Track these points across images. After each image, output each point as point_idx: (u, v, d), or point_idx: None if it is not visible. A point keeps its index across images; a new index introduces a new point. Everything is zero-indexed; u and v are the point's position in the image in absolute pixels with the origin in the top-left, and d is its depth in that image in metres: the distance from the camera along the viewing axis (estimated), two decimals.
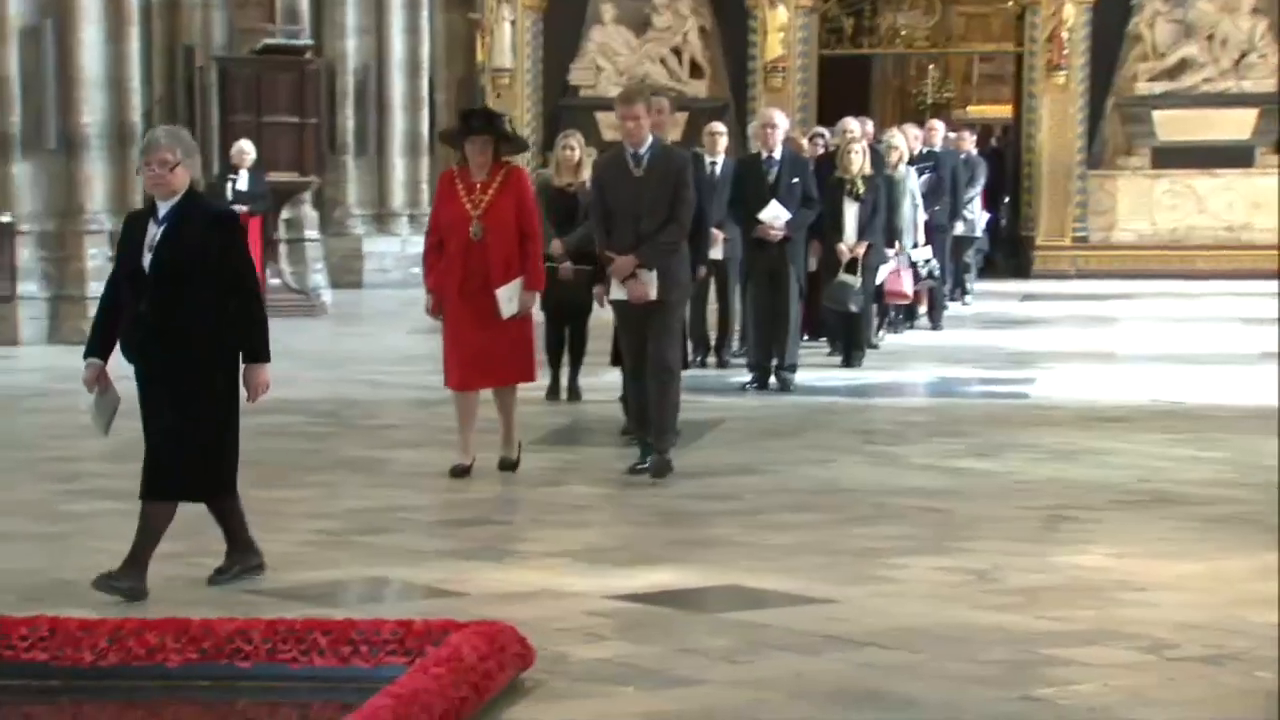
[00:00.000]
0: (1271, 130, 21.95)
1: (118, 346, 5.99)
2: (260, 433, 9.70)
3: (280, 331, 16.68)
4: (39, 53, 14.23)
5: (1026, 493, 7.86)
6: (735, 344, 12.64)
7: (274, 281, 17.42)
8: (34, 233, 14.37)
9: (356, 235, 21.20)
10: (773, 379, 11.28)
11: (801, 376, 11.59)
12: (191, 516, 7.17)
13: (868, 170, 12.41)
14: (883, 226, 12.68)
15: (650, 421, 8.05)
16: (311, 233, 18.65)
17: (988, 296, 18.85)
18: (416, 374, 12.20)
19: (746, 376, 11.43)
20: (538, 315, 8.61)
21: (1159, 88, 22.48)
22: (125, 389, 6.06)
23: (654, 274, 7.85)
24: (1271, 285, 15.41)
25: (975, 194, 17.91)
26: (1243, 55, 22.33)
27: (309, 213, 18.81)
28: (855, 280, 12.33)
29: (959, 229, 17.43)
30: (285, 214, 18.21)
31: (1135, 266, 21.94)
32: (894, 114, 28.09)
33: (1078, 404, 10.86)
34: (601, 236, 8.09)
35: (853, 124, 13.47)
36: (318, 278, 18.30)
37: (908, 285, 14.49)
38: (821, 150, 13.68)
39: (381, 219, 21.45)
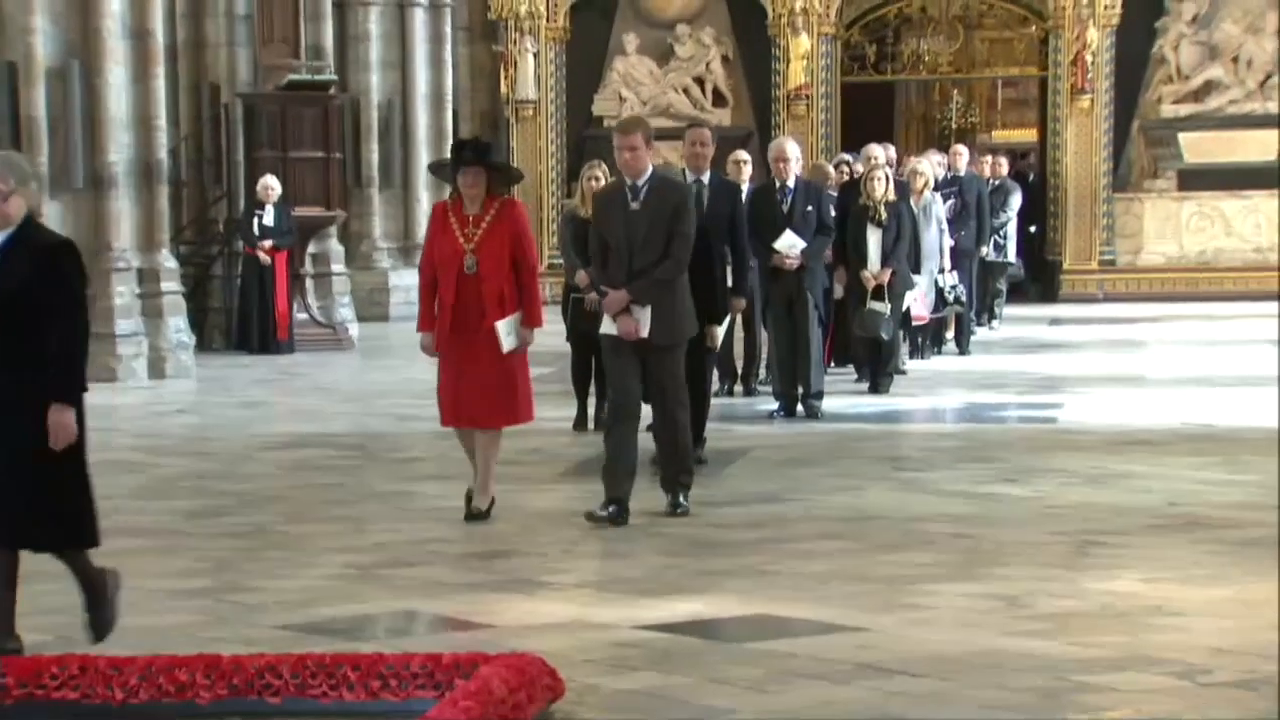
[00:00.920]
0: None
1: None
2: (287, 467, 9.77)
3: (307, 365, 16.87)
4: (66, 93, 14.33)
5: (1056, 518, 7.83)
6: (762, 372, 12.64)
7: (301, 316, 17.50)
8: None
9: (382, 268, 21.28)
10: (800, 408, 11.27)
11: (829, 403, 11.58)
12: (222, 553, 7.20)
13: (891, 197, 12.43)
14: (908, 252, 12.68)
15: (664, 475, 7.91)
16: (337, 266, 18.72)
17: (1015, 321, 18.81)
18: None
19: (774, 405, 11.42)
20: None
21: (1184, 110, 22.45)
22: None
23: (646, 311, 7.61)
24: None
25: (1009, 219, 17.90)
26: (1268, 77, 22.30)
27: (335, 246, 18.88)
28: (884, 307, 12.38)
29: (992, 254, 17.43)
30: (311, 248, 18.29)
31: (1163, 289, 21.90)
32: (918, 140, 28.12)
33: (1107, 428, 10.83)
34: (596, 271, 7.94)
35: (877, 150, 13.50)
36: (344, 311, 18.36)
37: (925, 309, 14.49)
38: (846, 177, 13.68)
39: (407, 251, 21.50)
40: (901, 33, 24.61)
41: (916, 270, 13.37)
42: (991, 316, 18.21)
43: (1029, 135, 27.88)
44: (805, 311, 11.08)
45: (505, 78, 23.51)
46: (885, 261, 12.38)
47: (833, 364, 13.54)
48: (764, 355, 12.62)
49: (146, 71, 14.85)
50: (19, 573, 5.59)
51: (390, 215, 21.61)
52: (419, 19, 21.45)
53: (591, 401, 10.82)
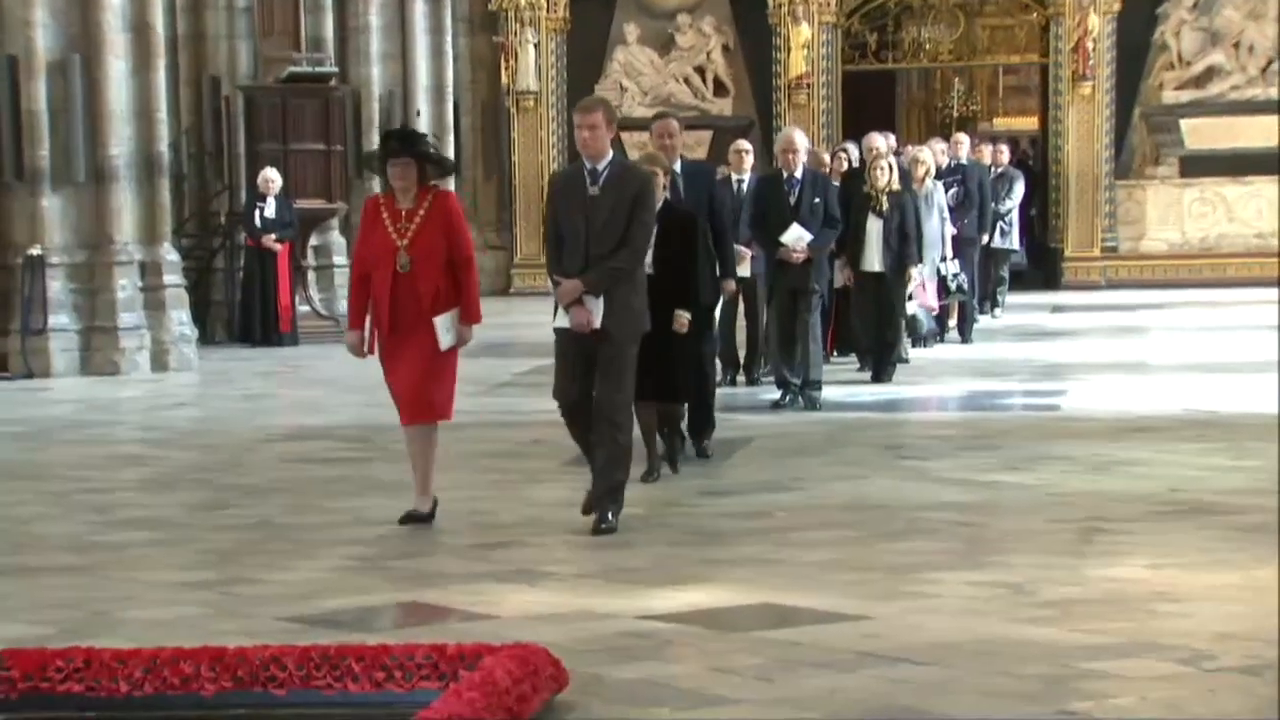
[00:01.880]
0: None
1: None
2: (290, 459, 9.77)
3: (309, 358, 16.88)
4: (67, 87, 14.33)
5: (1060, 505, 7.83)
6: (765, 362, 12.63)
7: (303, 308, 17.52)
8: (64, 265, 14.46)
9: None
10: (800, 398, 11.22)
11: (831, 393, 11.58)
12: (226, 545, 7.20)
13: (895, 186, 12.41)
14: (913, 241, 12.65)
15: (594, 479, 7.40)
16: (339, 258, 18.73)
17: (1018, 309, 18.80)
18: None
19: (776, 395, 11.39)
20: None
21: (1186, 96, 22.43)
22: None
23: (600, 302, 7.20)
24: None
25: (1013, 207, 17.90)
26: (1270, 62, 22.27)
27: (336, 238, 18.89)
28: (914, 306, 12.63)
29: (997, 242, 17.42)
30: (313, 240, 18.30)
31: (1166, 276, 21.90)
32: (919, 128, 28.11)
33: (1110, 415, 10.82)
34: (551, 259, 7.51)
35: (878, 140, 13.47)
36: (345, 303, 18.35)
37: (932, 298, 14.50)
38: (846, 166, 13.65)
39: None
40: (902, 20, 24.59)
41: (919, 260, 13.35)
42: (994, 304, 18.21)
43: (1030, 123, 27.88)
44: (809, 302, 11.03)
45: (506, 69, 23.51)
46: (890, 251, 12.36)
47: (835, 354, 13.55)
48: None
49: (147, 64, 14.85)
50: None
51: None
52: (419, 10, 21.43)
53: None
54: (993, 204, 17.00)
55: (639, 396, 8.27)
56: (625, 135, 23.22)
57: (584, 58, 23.70)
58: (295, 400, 12.89)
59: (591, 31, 23.68)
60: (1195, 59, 22.47)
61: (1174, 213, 22.50)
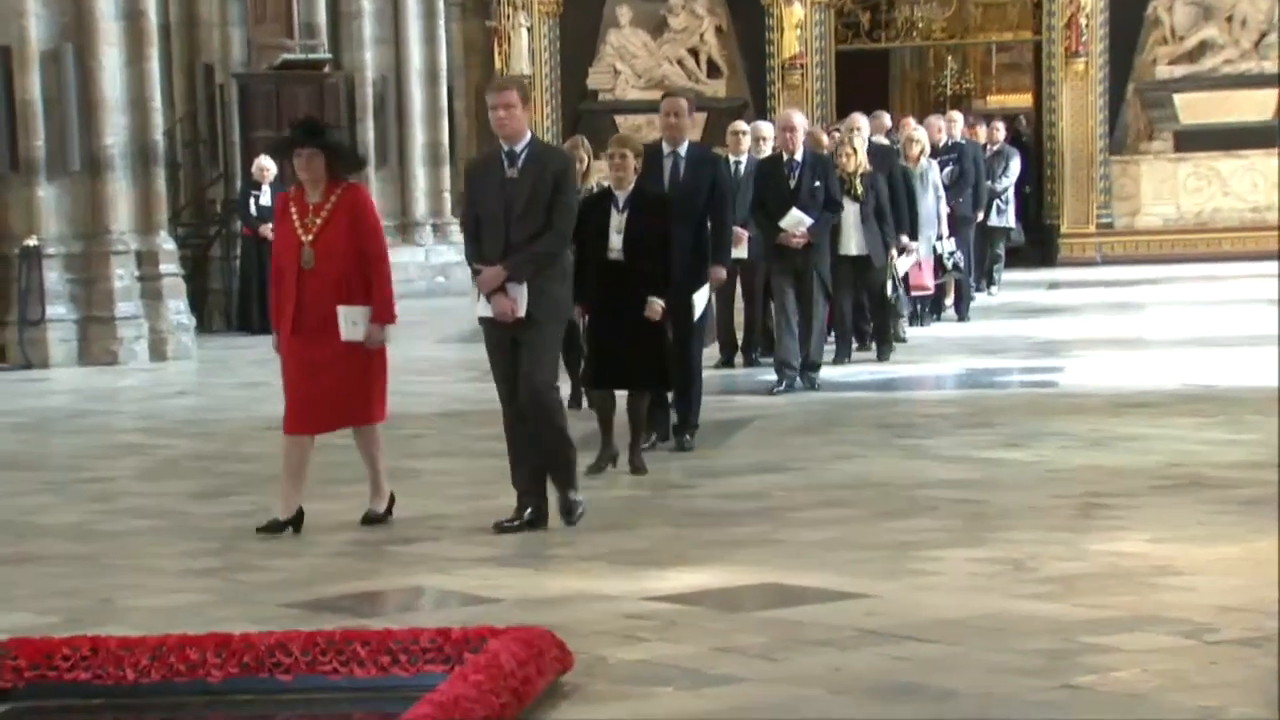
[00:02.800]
0: None
1: None
2: None
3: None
4: (60, 76, 14.31)
5: (1059, 481, 7.85)
6: (758, 345, 12.60)
7: None
8: (60, 255, 14.45)
9: None
10: (799, 380, 11.18)
11: (829, 373, 11.59)
12: (228, 533, 7.22)
13: (866, 168, 12.21)
14: (893, 221, 12.58)
15: (546, 466, 7.08)
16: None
17: (1014, 286, 18.81)
18: (445, 383, 12.25)
19: (774, 377, 11.35)
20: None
21: (1179, 71, 22.42)
22: None
23: (523, 288, 6.88)
24: None
25: (1009, 185, 17.90)
26: (1262, 35, 22.26)
27: None
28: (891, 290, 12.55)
29: (993, 220, 17.43)
30: None
31: (1161, 251, 21.90)
32: (914, 106, 28.06)
33: (1108, 390, 10.84)
34: (470, 246, 7.19)
35: (860, 120, 13.38)
36: None
37: (929, 277, 14.50)
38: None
39: (405, 229, 21.48)
40: (895, 0, 24.56)
41: (912, 237, 13.35)
42: (990, 282, 18.21)
43: (1024, 100, 27.83)
44: (809, 286, 10.87)
45: (499, 53, 23.49)
46: (870, 233, 12.23)
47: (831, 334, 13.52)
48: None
49: (140, 53, 14.82)
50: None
51: (387, 193, 21.54)
52: None
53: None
54: (988, 182, 17.00)
55: (598, 384, 8.36)
56: (620, 119, 23.31)
57: (577, 41, 23.68)
58: None
59: (584, 15, 23.65)
60: (1188, 33, 22.46)
61: (1168, 188, 22.50)
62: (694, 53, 23.72)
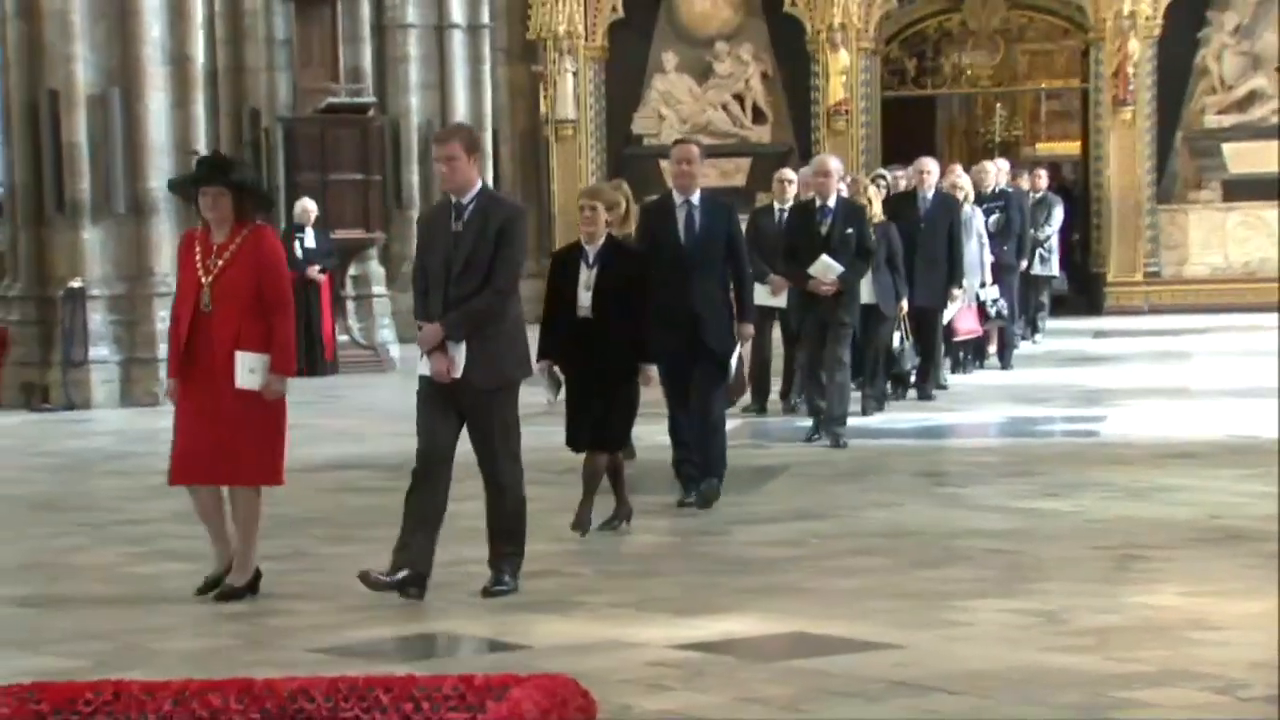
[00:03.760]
0: None
1: None
2: (327, 489, 9.80)
3: (348, 387, 16.91)
4: (106, 120, 14.46)
5: (1097, 532, 7.78)
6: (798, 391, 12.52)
7: (343, 338, 17.59)
8: (104, 297, 14.57)
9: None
10: (819, 433, 10.86)
11: (867, 420, 11.54)
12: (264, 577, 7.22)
13: (879, 216, 11.88)
14: (947, 270, 12.48)
15: (490, 545, 6.77)
16: (378, 288, 18.80)
17: (1059, 334, 18.72)
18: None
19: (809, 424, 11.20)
20: None
21: (1228, 120, 22.31)
22: None
23: (461, 348, 6.55)
24: None
25: (1052, 233, 17.85)
26: None
27: (375, 268, 18.96)
28: (903, 343, 12.38)
29: (1036, 268, 17.37)
30: (352, 270, 18.38)
31: (1208, 300, 21.74)
32: (961, 153, 28.01)
33: (1150, 441, 10.76)
34: (417, 302, 6.88)
35: (929, 163, 13.44)
36: (385, 333, 18.44)
37: (974, 323, 14.43)
38: (884, 193, 13.59)
39: None
40: (942, 47, 24.56)
41: (958, 284, 13.29)
42: (1034, 330, 18.13)
43: (1073, 148, 27.75)
44: (838, 335, 10.63)
45: (544, 97, 23.59)
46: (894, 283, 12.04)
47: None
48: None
49: (186, 97, 14.96)
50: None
51: None
52: (457, 40, 21.55)
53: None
54: (1031, 230, 16.94)
55: (572, 446, 8.05)
56: (664, 164, 23.32)
57: (622, 86, 23.76)
58: (334, 430, 12.93)
59: (630, 60, 23.74)
60: (1237, 83, 22.35)
61: (1216, 237, 22.36)
62: (739, 98, 23.76)
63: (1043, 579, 6.79)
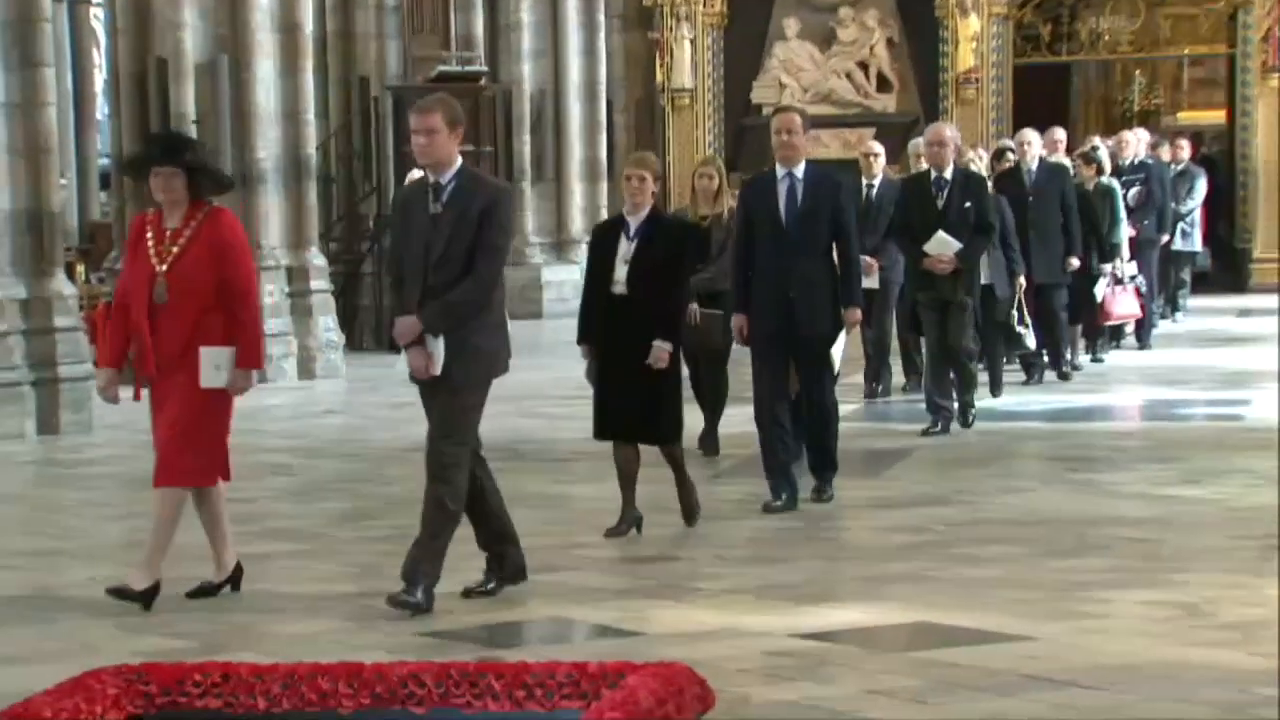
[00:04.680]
0: None
1: None
2: None
3: None
4: (215, 89, 14.65)
5: (1241, 521, 7.67)
6: (877, 379, 12.29)
7: None
8: None
9: (535, 264, 21.46)
10: (957, 419, 10.62)
11: (998, 401, 11.44)
12: (368, 557, 7.30)
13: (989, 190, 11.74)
14: (1065, 244, 12.23)
15: (417, 544, 6.38)
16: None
17: (1201, 313, 18.44)
18: None
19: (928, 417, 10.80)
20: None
21: None
22: None
23: (440, 343, 6.21)
24: None
25: (1195, 206, 17.55)
26: None
27: None
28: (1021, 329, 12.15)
29: (1177, 243, 17.10)
30: None
31: None
32: (1098, 123, 27.65)
33: None
34: (393, 291, 6.62)
35: (1030, 134, 13.24)
36: None
37: (1129, 304, 14.21)
38: (1008, 164, 13.43)
39: (560, 246, 21.69)
40: (1078, 11, 24.23)
41: (1106, 259, 13.15)
42: (1175, 309, 17.86)
43: (1216, 117, 27.27)
44: (960, 318, 10.38)
45: (660, 66, 23.58)
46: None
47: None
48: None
49: (295, 65, 15.13)
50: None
51: (543, 209, 21.78)
52: (571, 6, 21.60)
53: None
54: (1173, 204, 16.67)
55: (599, 435, 7.68)
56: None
57: (742, 53, 23.67)
58: None
59: (750, 26, 23.65)
60: None
61: None
62: (863, 66, 23.60)
63: (1183, 570, 6.70)
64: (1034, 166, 12.91)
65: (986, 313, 11.58)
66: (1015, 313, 12.14)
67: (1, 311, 11.57)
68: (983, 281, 11.34)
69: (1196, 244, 17.92)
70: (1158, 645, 5.58)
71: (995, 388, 12.04)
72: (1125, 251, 14.68)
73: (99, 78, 23.90)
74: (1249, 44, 22.14)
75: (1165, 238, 16.49)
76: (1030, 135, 13.27)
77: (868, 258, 11.70)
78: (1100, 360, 14.47)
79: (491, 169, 18.43)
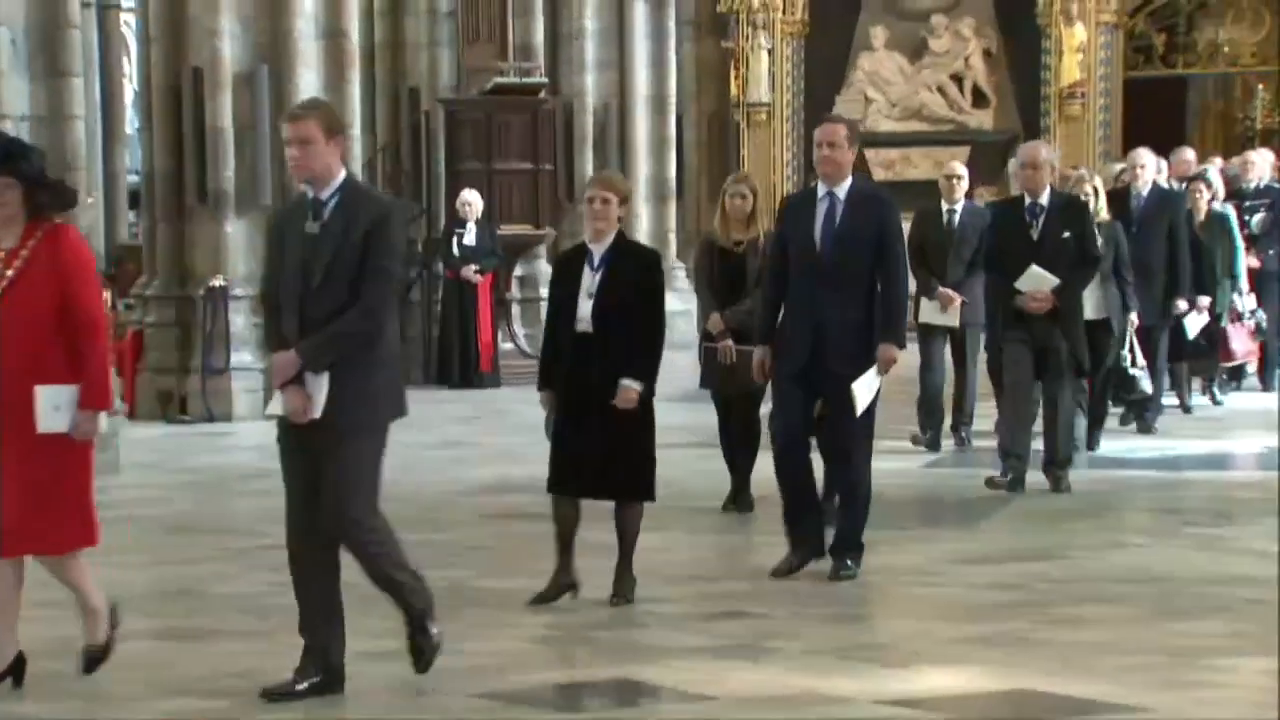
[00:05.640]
0: None
1: None
2: (489, 515, 9.93)
3: (511, 401, 17.08)
4: (254, 101, 14.78)
5: None
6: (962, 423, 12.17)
7: (506, 346, 17.77)
8: (249, 297, 14.88)
9: None
10: (1044, 476, 10.28)
11: (1105, 446, 11.41)
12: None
13: (1103, 215, 11.38)
14: (1169, 280, 12.15)
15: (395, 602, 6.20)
16: (547, 290, 18.95)
17: None
18: (663, 450, 12.28)
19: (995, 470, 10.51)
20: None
21: None
22: None
23: (323, 381, 5.88)
24: None
25: None
26: None
27: (544, 268, 19.13)
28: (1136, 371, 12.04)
29: None
30: (518, 270, 18.59)
31: None
32: (1217, 142, 27.49)
33: None
34: (268, 324, 6.22)
35: (1146, 155, 13.11)
36: None
37: (1241, 342, 14.13)
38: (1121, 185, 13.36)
39: None
40: (1196, 20, 24.16)
41: (1206, 292, 13.06)
42: None
43: None
44: (1058, 365, 10.01)
45: (735, 78, 23.65)
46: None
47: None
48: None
49: (340, 76, 15.28)
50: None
51: None
52: (639, 13, 21.69)
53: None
54: None
55: (553, 488, 7.51)
56: (870, 153, 23.23)
57: (824, 65, 23.73)
58: (497, 449, 13.09)
59: (833, 35, 23.70)
60: None
61: None
62: (957, 79, 23.60)
63: None
64: (1145, 191, 12.80)
65: (1093, 354, 11.37)
66: (1127, 353, 12.03)
67: None
68: (1090, 316, 11.19)
69: None
70: None
71: (1094, 439, 11.72)
72: (1244, 284, 14.60)
73: (129, 88, 24.17)
74: None
75: None
76: (1145, 156, 13.09)
77: (948, 291, 11.67)
78: (1219, 403, 14.39)
79: (550, 189, 18.54)
